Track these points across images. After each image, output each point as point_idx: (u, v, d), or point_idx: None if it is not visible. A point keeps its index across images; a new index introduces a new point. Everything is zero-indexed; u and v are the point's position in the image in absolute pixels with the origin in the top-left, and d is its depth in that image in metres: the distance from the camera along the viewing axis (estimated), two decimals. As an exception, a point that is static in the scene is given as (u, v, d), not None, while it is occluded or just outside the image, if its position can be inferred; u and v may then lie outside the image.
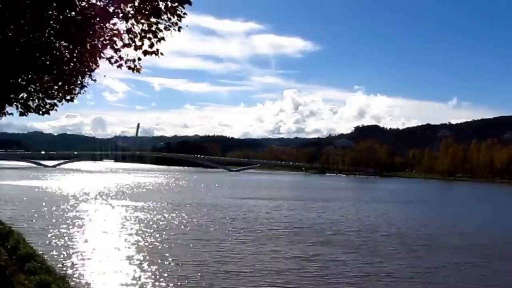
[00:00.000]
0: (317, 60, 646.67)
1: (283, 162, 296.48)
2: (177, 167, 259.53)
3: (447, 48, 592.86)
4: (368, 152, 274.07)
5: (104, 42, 10.28)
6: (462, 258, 28.93)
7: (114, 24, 10.10)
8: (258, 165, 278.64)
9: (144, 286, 20.56)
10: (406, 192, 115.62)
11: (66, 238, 30.66)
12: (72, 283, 18.89)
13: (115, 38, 10.22)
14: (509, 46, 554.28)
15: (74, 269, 22.64)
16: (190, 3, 9.93)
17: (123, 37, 10.13)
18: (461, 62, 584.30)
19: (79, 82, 11.91)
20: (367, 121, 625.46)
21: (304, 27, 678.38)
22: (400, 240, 35.26)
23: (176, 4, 9.74)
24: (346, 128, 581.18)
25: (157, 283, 20.85)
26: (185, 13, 9.94)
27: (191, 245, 29.90)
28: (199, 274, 22.46)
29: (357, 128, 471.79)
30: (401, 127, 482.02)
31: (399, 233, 38.92)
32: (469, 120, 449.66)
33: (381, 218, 49.46)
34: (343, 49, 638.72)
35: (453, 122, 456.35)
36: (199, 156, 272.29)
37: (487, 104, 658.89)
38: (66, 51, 10.53)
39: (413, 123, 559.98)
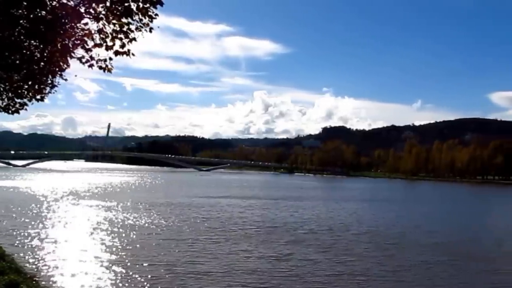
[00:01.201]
0: (286, 63, 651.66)
1: (252, 162, 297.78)
2: (148, 167, 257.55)
3: (413, 52, 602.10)
4: (336, 152, 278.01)
5: (75, 41, 10.10)
6: (430, 256, 29.06)
7: (86, 24, 9.95)
8: (228, 165, 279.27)
9: (114, 287, 20.20)
10: (373, 191, 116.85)
11: (36, 239, 29.99)
12: (42, 284, 18.53)
13: (86, 38, 10.06)
14: (470, 51, 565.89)
15: (44, 269, 22.10)
16: (162, 4, 9.88)
17: (94, 37, 10.00)
18: (425, 65, 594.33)
19: (49, 81, 11.65)
20: (334, 122, 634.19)
21: (274, 30, 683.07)
22: (370, 238, 35.38)
23: (148, 5, 9.68)
24: (314, 129, 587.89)
25: (127, 284, 20.43)
26: (156, 14, 9.92)
27: (164, 245, 29.53)
28: (171, 274, 22.13)
29: (324, 129, 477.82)
30: (367, 128, 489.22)
31: (370, 231, 39.13)
32: (432, 121, 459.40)
33: (351, 217, 49.72)
34: (312, 52, 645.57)
35: (417, 123, 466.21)
36: (170, 156, 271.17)
37: (449, 106, 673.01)
38: (37, 50, 10.30)
39: (379, 124, 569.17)
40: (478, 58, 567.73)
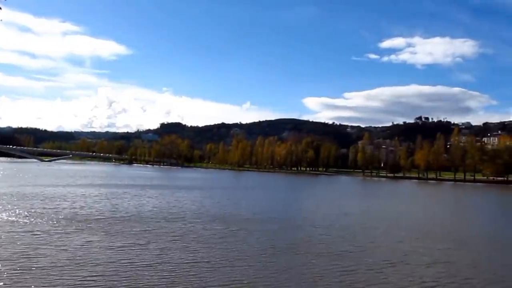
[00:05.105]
0: (130, 63, 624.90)
1: (95, 154, 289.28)
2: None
3: (244, 58, 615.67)
4: (172, 146, 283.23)
5: None
6: (274, 241, 27.16)
7: None
8: (71, 156, 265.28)
9: None
10: (208, 180, 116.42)
11: None
12: None
13: None
14: (289, 61, 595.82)
15: None
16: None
17: None
18: (254, 71, 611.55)
19: None
20: (172, 119, 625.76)
21: (118, 32, 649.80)
22: (218, 225, 32.68)
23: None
24: (154, 124, 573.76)
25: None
26: None
27: (4, 238, 23.74)
28: (10, 269, 17.28)
29: (162, 124, 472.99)
30: (200, 125, 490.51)
31: (217, 218, 36.31)
32: (256, 120, 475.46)
33: (196, 205, 46.58)
34: (154, 55, 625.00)
35: (244, 122, 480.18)
36: (10, 146, 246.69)
37: (271, 108, 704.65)
38: None
39: (211, 121, 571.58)
40: (295, 68, 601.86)
